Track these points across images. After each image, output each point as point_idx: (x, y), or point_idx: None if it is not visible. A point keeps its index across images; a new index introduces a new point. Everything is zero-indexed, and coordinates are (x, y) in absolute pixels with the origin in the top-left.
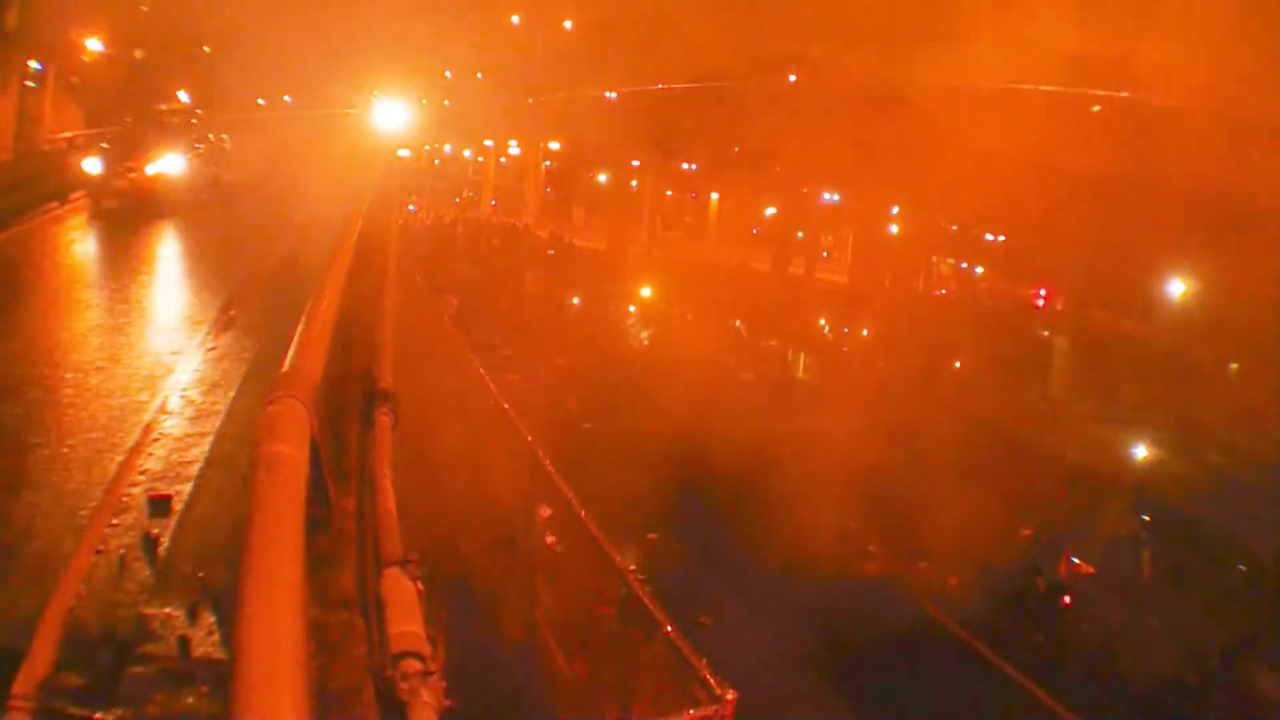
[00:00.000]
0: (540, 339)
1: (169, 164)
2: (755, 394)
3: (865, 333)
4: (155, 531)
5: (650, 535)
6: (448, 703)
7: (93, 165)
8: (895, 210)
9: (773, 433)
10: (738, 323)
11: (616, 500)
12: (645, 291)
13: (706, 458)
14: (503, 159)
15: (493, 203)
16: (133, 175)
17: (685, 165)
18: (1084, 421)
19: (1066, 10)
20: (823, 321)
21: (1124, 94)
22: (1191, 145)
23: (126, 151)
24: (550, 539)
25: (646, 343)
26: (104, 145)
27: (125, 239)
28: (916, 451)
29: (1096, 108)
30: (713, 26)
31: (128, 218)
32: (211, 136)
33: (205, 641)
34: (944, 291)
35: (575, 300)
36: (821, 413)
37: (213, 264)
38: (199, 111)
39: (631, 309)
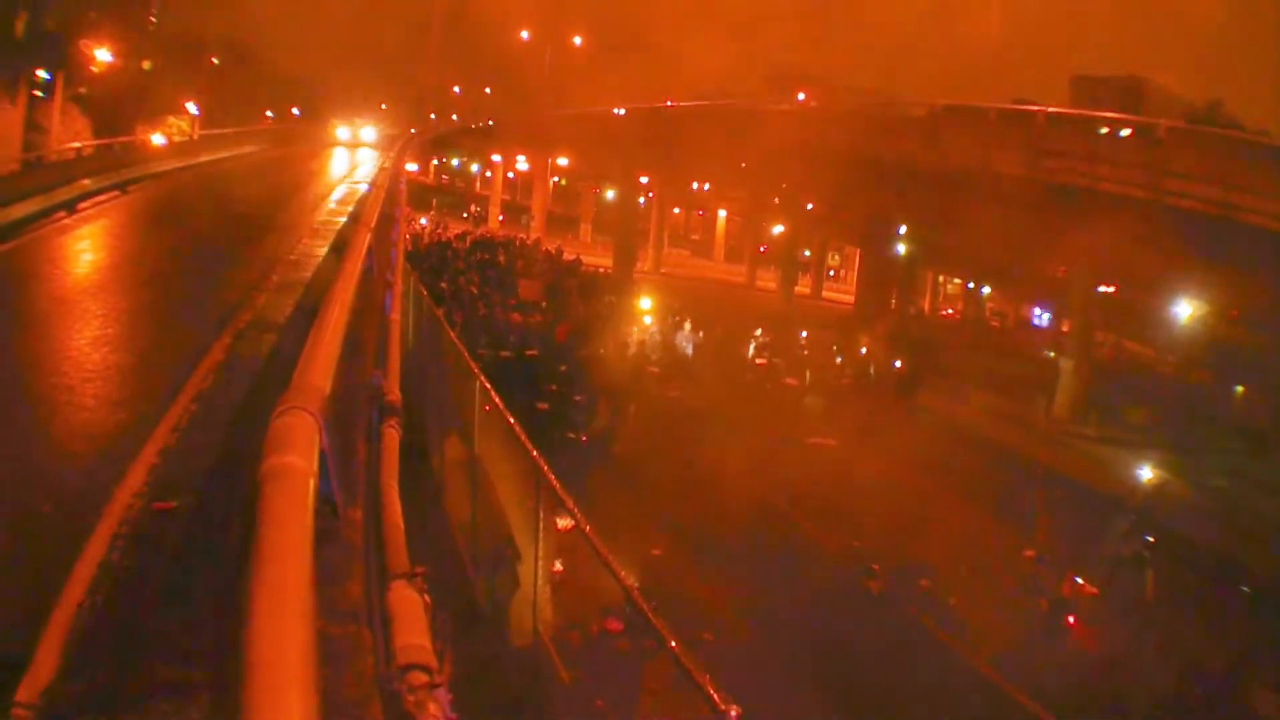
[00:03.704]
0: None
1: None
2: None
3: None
4: (160, 540)
5: (654, 550)
6: (454, 715)
7: (341, 131)
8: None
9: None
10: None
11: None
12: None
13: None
14: (510, 174)
15: (500, 218)
16: None
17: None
18: (1087, 442)
19: None
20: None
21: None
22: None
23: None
24: (557, 567)
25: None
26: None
27: (133, 246)
28: (920, 471)
29: (1103, 129)
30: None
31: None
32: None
33: (212, 653)
34: (950, 311)
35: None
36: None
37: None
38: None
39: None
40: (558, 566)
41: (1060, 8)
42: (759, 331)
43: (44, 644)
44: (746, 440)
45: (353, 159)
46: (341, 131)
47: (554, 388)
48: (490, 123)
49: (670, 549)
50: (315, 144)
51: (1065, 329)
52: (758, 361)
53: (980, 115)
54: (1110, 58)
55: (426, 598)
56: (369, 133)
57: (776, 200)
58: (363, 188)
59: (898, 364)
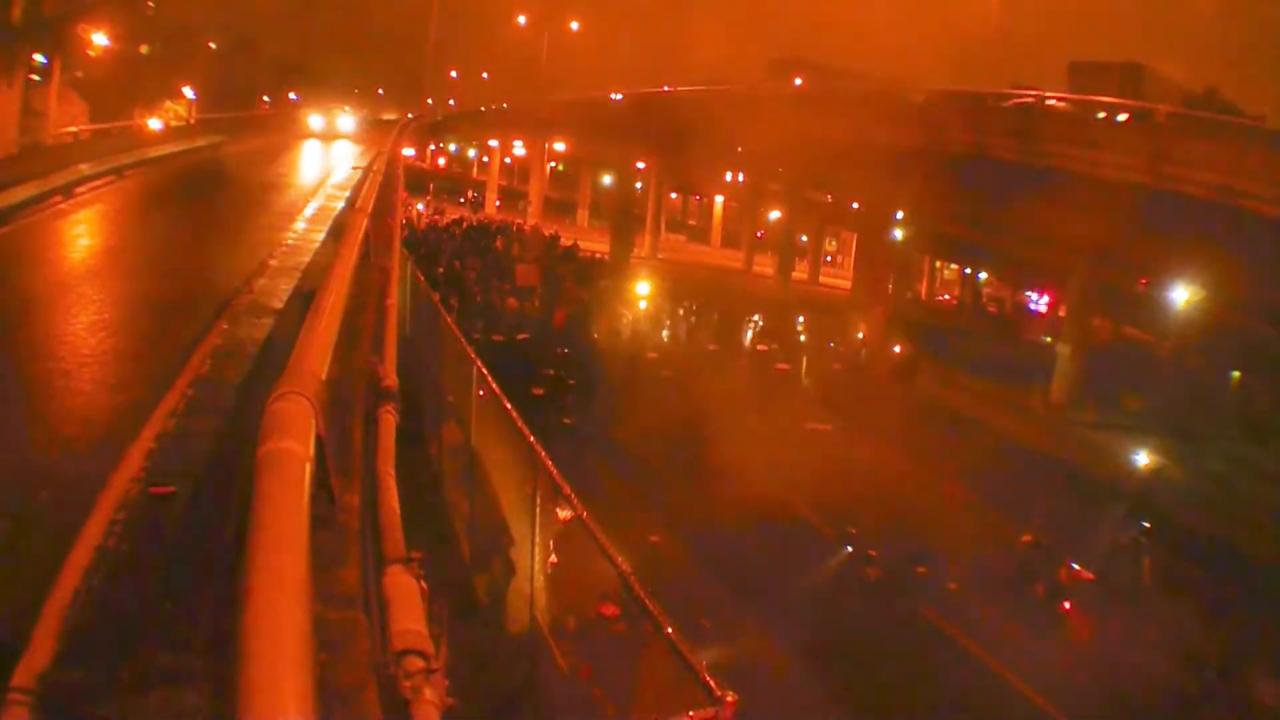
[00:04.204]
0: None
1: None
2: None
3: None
4: (157, 526)
5: (652, 538)
6: (450, 701)
7: (314, 120)
8: (899, 215)
9: (776, 435)
10: (757, 318)
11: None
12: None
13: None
14: (507, 159)
15: (497, 203)
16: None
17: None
18: (1084, 428)
19: None
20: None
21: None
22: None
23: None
24: (553, 557)
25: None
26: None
27: (130, 231)
28: (917, 457)
29: (1101, 114)
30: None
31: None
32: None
33: (209, 637)
34: (947, 297)
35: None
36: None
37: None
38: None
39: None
40: (553, 557)
41: None
42: (756, 318)
43: (40, 629)
44: (743, 427)
45: (326, 161)
46: (315, 121)
47: (551, 372)
48: (505, 105)
49: (668, 535)
50: (290, 135)
51: (1063, 314)
52: (759, 348)
53: (978, 101)
54: (1109, 45)
55: (423, 583)
56: (347, 122)
57: (773, 186)
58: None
59: (896, 349)
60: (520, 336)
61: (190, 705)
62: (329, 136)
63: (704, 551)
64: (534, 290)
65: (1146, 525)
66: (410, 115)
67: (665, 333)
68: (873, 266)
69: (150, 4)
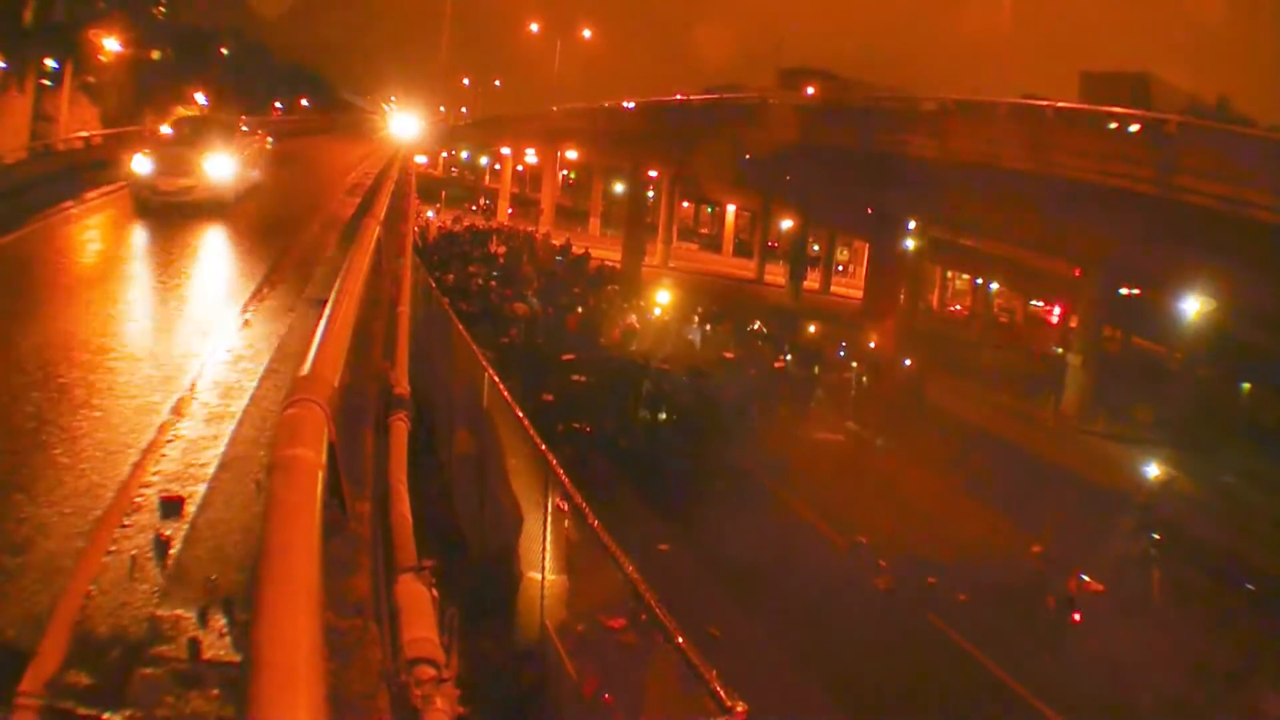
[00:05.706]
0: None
1: (219, 166)
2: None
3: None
4: (167, 533)
5: (661, 546)
6: (461, 709)
7: (142, 165)
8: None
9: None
10: (757, 324)
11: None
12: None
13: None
14: (519, 167)
15: (510, 211)
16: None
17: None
18: (1095, 438)
19: None
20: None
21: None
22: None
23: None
24: (564, 567)
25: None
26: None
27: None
28: (927, 467)
29: (1113, 125)
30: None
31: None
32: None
33: (218, 644)
34: (958, 307)
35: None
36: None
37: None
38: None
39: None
40: (564, 564)
41: (1069, 4)
42: (757, 324)
43: (50, 634)
44: (753, 435)
45: None
46: (141, 165)
47: (576, 377)
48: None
49: (678, 544)
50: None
51: (1073, 325)
52: (766, 354)
53: (989, 110)
54: (1120, 55)
55: (434, 591)
56: (222, 167)
57: (785, 195)
58: None
59: (906, 361)
60: (538, 341)
61: (200, 712)
62: (167, 207)
63: (713, 559)
64: (548, 297)
65: (1156, 536)
66: (421, 123)
67: (675, 341)
68: (884, 276)
69: (162, 9)
